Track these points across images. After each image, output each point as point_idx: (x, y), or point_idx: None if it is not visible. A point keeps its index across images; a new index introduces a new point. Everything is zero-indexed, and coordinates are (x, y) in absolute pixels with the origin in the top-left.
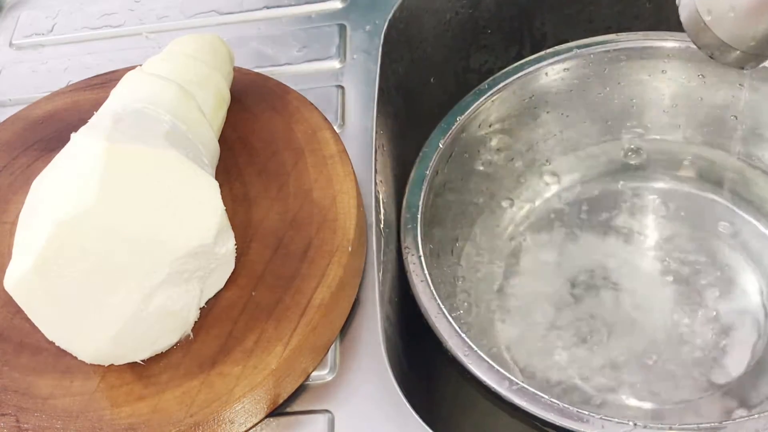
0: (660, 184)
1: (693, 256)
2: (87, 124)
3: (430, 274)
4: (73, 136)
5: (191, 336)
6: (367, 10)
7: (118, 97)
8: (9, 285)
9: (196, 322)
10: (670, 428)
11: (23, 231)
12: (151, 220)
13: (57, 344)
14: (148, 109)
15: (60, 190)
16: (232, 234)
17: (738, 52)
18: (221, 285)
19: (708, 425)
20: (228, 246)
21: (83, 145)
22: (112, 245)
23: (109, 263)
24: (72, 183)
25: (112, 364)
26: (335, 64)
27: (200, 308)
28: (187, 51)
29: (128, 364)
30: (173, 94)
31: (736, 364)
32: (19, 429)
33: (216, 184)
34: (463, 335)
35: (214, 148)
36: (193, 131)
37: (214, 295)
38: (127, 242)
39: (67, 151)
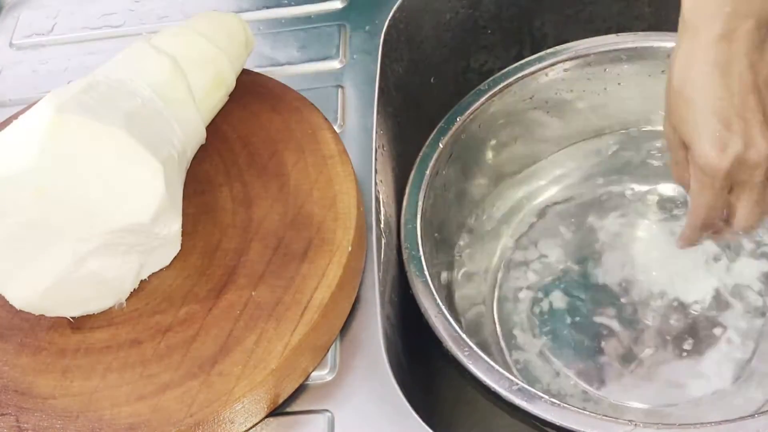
0: (660, 184)
1: (694, 253)
2: (61, 88)
3: (430, 274)
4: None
5: (124, 305)
6: (367, 10)
7: (113, 63)
8: None
9: (196, 321)
10: (670, 428)
11: None
12: (87, 191)
13: None
14: (130, 81)
15: (4, 150)
16: (178, 217)
17: None
18: (166, 263)
19: (708, 425)
20: (172, 228)
21: (38, 109)
22: (47, 207)
23: (43, 223)
24: (15, 144)
25: (111, 364)
26: (335, 64)
27: (142, 280)
28: (199, 28)
29: (129, 364)
30: (162, 69)
31: (734, 361)
32: (19, 429)
33: (159, 167)
34: (463, 335)
35: (196, 129)
36: (172, 109)
37: (214, 295)
38: (61, 206)
39: (28, 113)
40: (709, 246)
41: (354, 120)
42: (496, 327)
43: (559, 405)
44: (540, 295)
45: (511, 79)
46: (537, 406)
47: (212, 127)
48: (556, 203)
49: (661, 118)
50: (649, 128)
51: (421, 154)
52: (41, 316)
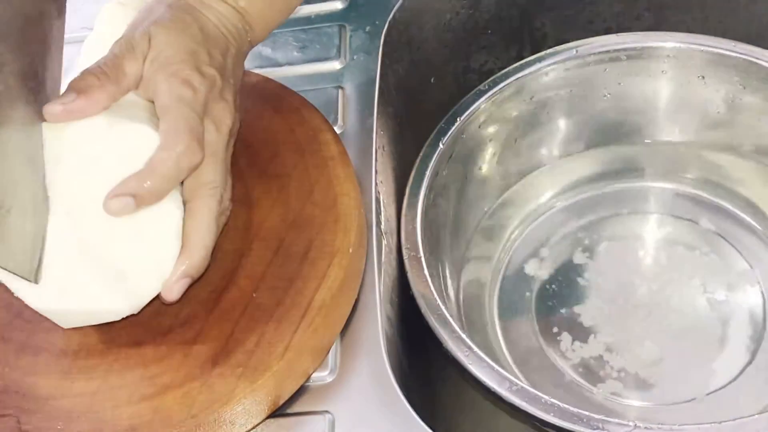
0: (660, 185)
1: (694, 253)
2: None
3: (430, 275)
4: None
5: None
6: (368, 11)
7: None
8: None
9: (196, 322)
10: (671, 428)
11: None
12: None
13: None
14: None
15: None
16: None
17: None
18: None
19: (708, 425)
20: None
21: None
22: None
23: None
24: None
25: (112, 365)
26: (335, 64)
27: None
28: None
29: (129, 365)
30: None
31: (734, 361)
32: (20, 430)
33: (156, 135)
34: (463, 335)
35: None
36: None
37: (215, 296)
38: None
39: None
40: (708, 244)
41: (354, 121)
42: (496, 327)
43: (559, 405)
44: (542, 295)
45: (511, 79)
46: (537, 406)
47: None
48: (556, 204)
49: (661, 118)
50: (649, 128)
51: (421, 154)
52: (41, 316)
